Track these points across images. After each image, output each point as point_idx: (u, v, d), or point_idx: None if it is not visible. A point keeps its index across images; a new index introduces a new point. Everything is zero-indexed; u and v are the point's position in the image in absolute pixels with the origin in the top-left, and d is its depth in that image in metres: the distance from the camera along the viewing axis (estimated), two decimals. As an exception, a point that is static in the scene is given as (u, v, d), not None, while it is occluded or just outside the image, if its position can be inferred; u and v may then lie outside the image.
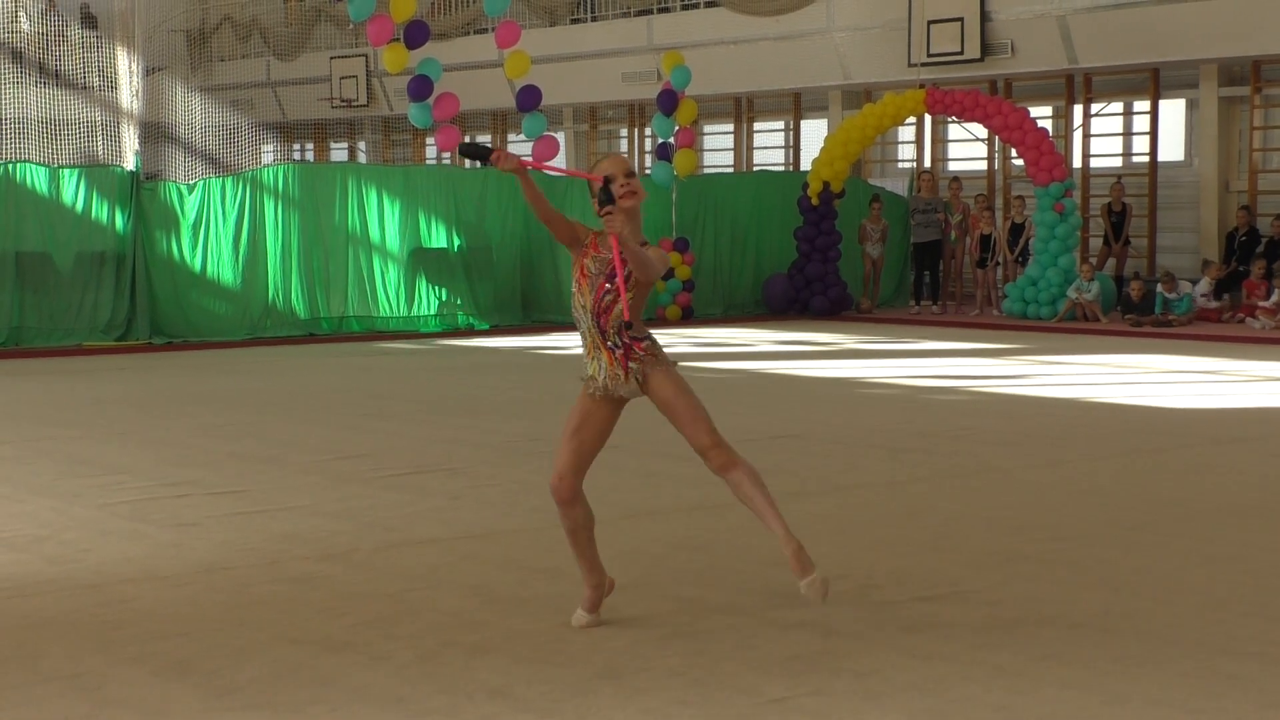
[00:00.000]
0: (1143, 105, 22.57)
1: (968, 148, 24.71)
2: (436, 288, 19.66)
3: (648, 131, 26.99)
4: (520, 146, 27.73)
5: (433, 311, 19.61)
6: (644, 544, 7.24)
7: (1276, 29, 19.82)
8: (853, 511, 8.00)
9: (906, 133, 25.24)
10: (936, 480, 8.95)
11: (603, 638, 5.65)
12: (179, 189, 18.40)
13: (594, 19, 28.25)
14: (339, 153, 34.93)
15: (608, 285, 5.55)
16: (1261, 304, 19.30)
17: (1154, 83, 22.06)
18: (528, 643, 5.59)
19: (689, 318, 20.92)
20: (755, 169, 26.68)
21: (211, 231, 18.32)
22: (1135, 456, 9.76)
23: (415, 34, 19.09)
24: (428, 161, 30.01)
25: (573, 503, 5.76)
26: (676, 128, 20.98)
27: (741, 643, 5.58)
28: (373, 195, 19.33)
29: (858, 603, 6.12)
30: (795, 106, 26.56)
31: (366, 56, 30.86)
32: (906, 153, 25.69)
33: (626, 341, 5.57)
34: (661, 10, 27.05)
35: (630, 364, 5.57)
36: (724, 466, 5.54)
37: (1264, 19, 19.82)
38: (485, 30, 26.96)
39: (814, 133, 26.02)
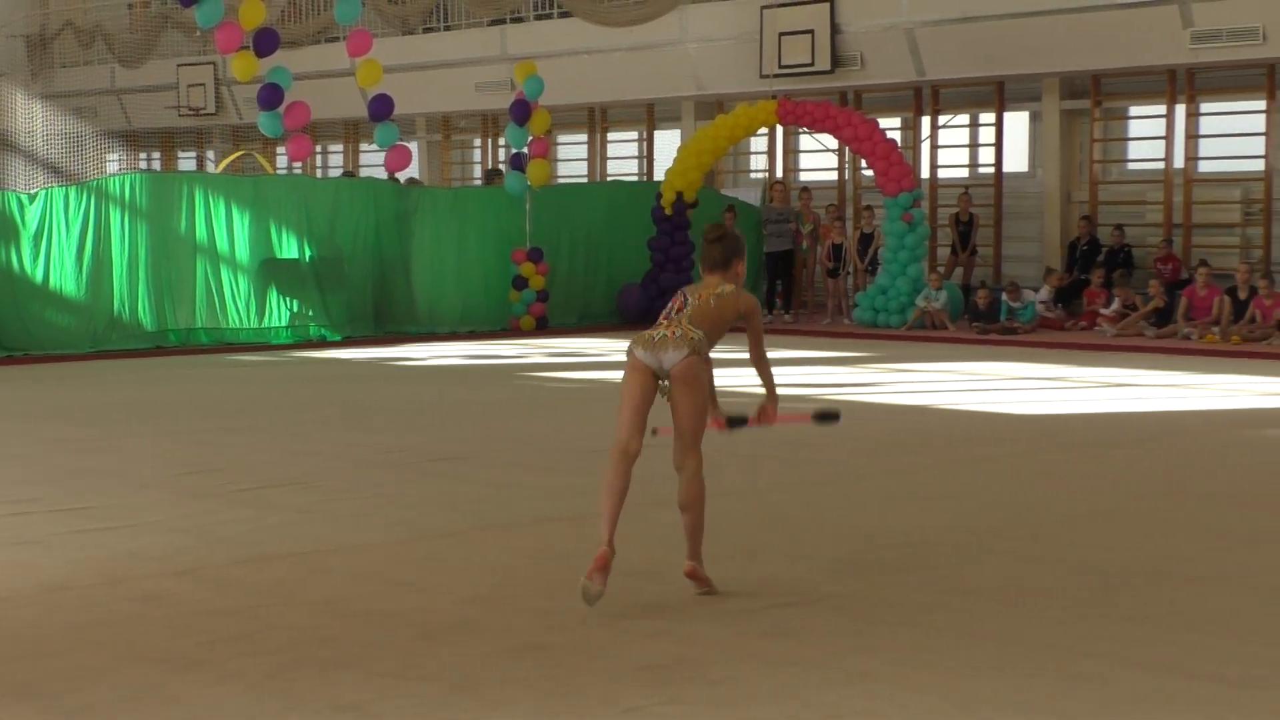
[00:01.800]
0: (988, 117, 22.98)
1: (819, 158, 24.98)
2: (288, 299, 19.39)
3: (501, 141, 26.89)
4: (373, 156, 27.52)
5: (284, 323, 19.34)
6: (498, 555, 7.19)
7: (1115, 44, 20.30)
8: (710, 520, 7.98)
9: (759, 143, 25.43)
10: (793, 488, 9.01)
11: (458, 650, 5.59)
12: (19, 199, 17.93)
13: (447, 28, 28.10)
14: (187, 162, 34.35)
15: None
16: (1102, 311, 19.74)
17: (999, 95, 22.48)
18: (382, 657, 5.51)
19: (543, 328, 20.87)
20: (609, 179, 26.71)
21: (54, 242, 17.88)
22: (985, 462, 9.91)
23: (265, 42, 18.83)
24: (278, 171, 29.61)
25: (622, 456, 6.34)
26: (530, 138, 20.94)
27: (597, 653, 5.55)
28: (221, 205, 19.01)
29: (714, 611, 6.12)
30: (649, 117, 26.65)
31: (215, 64, 30.38)
32: (759, 163, 25.89)
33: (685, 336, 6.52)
34: (515, 20, 26.98)
35: (673, 348, 6.41)
36: (688, 476, 6.33)
37: (1104, 34, 20.29)
38: (337, 39, 26.68)
39: (667, 143, 26.10)
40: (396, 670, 5.36)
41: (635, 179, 26.49)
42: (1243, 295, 18.37)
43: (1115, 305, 19.66)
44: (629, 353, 6.43)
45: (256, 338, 19.05)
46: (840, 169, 24.37)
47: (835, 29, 22.61)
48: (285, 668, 5.38)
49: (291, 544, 7.44)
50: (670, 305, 6.61)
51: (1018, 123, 22.96)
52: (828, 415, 6.98)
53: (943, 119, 23.40)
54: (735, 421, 6.72)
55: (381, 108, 19.92)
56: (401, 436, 11.07)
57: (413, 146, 24.51)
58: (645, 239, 21.81)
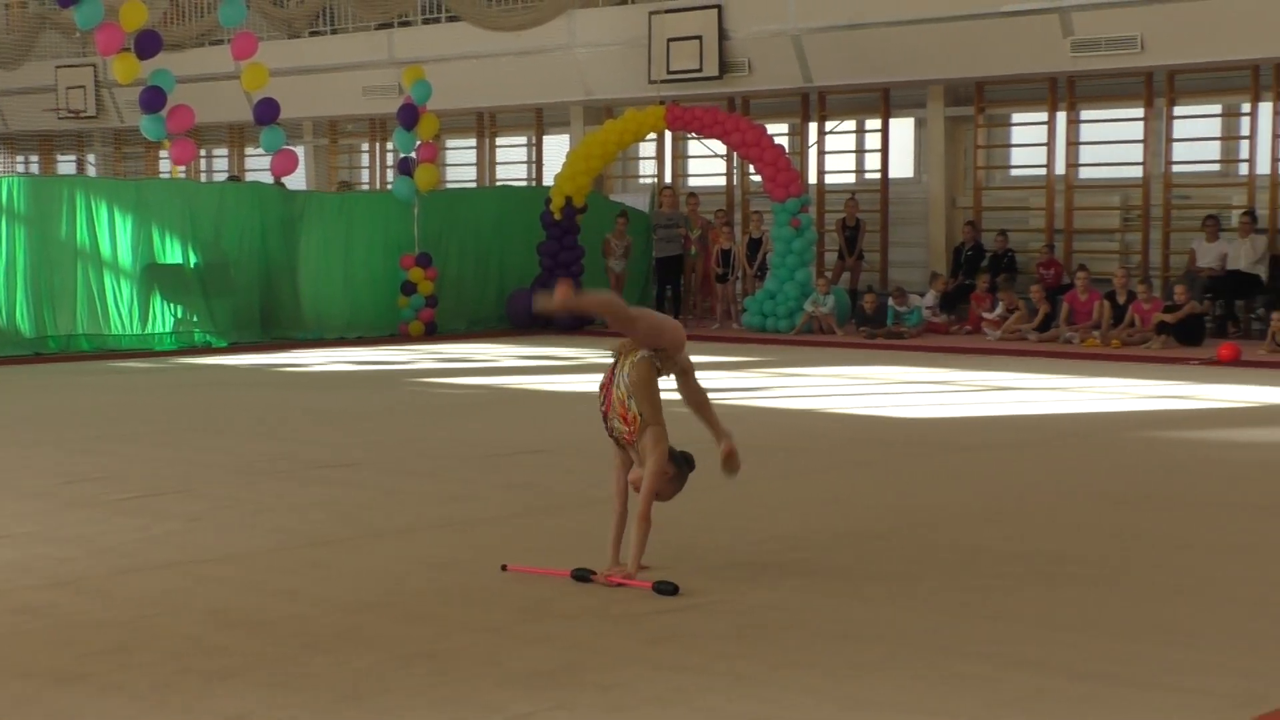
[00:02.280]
0: (874, 124, 23.23)
1: (707, 164, 25.10)
2: (172, 305, 19.13)
3: (389, 146, 26.75)
4: (258, 160, 27.24)
5: (168, 329, 19.08)
6: (386, 562, 7.15)
7: (998, 52, 20.60)
8: (601, 526, 8.02)
9: (647, 148, 25.51)
10: (681, 493, 9.03)
11: (345, 659, 5.56)
12: (-108, 203, 17.55)
13: (334, 32, 27.89)
14: (67, 165, 33.78)
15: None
16: (986, 315, 20.02)
17: (885, 102, 22.72)
18: (268, 667, 5.47)
19: (432, 333, 20.78)
20: (498, 184, 26.66)
21: (-71, 247, 17.52)
22: (872, 466, 10.02)
23: (147, 44, 18.58)
24: (161, 174, 29.22)
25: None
26: (418, 142, 20.85)
27: (486, 659, 5.55)
28: (103, 210, 18.71)
29: (601, 616, 6.14)
30: (537, 122, 26.64)
31: (95, 66, 29.93)
32: (648, 168, 25.96)
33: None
34: (403, 24, 26.85)
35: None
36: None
37: (986, 42, 20.58)
38: (221, 41, 26.38)
39: (556, 148, 26.11)
40: (283, 680, 5.32)
41: (524, 184, 26.46)
42: (1121, 300, 18.71)
43: (999, 309, 19.95)
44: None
45: (140, 344, 18.78)
46: (729, 174, 24.51)
47: (723, 35, 22.75)
48: (169, 679, 5.32)
49: (176, 553, 7.35)
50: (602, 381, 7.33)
51: (903, 129, 23.23)
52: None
53: (830, 125, 23.61)
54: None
55: (267, 112, 19.74)
56: (288, 444, 10.98)
57: (299, 151, 24.28)
58: (534, 244, 21.79)
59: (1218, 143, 20.75)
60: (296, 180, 23.76)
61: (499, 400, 13.96)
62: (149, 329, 18.98)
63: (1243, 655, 5.53)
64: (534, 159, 26.97)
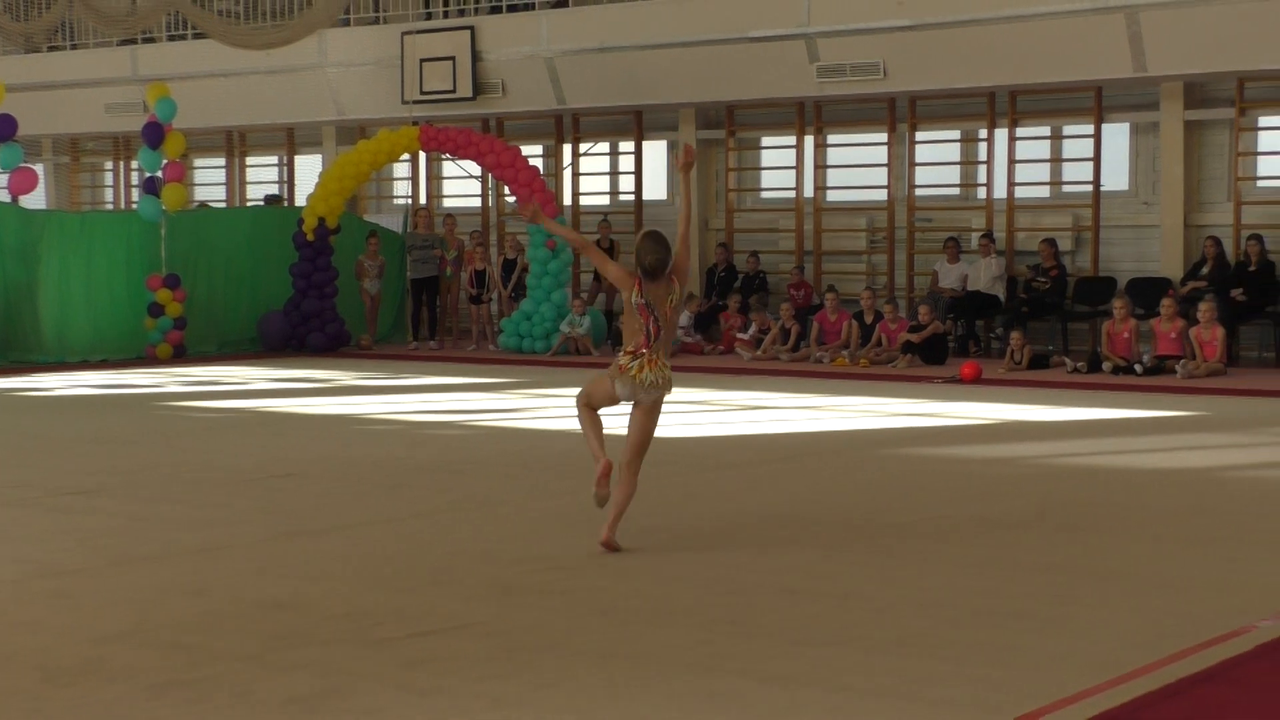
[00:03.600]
0: (628, 146, 23.45)
1: (462, 185, 25.04)
2: (-98, 328, 18.34)
3: (134, 165, 26.07)
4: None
5: (-102, 354, 18.28)
6: (133, 591, 6.96)
7: (747, 76, 20.99)
8: (353, 549, 7.94)
9: (402, 169, 25.34)
10: (437, 515, 8.99)
11: (89, 692, 5.39)
12: None
13: (74, 47, 27.09)
14: None
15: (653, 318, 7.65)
16: (739, 336, 20.34)
17: (638, 124, 22.96)
18: (3, 704, 5.26)
19: (181, 356, 20.28)
20: (249, 203, 26.19)
21: None
22: (627, 484, 10.08)
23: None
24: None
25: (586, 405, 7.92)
26: (164, 161, 20.36)
27: (240, 688, 5.44)
28: None
29: (357, 641, 6.07)
30: (289, 141, 26.25)
31: None
32: (402, 189, 25.79)
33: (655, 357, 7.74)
34: (146, 40, 26.21)
35: (646, 374, 7.69)
36: (625, 464, 7.79)
37: (736, 67, 20.96)
38: (-46, 55, 25.43)
39: (309, 168, 25.78)
40: (23, 714, 5.13)
41: (277, 203, 26.05)
42: (869, 320, 19.21)
43: (752, 330, 20.29)
44: (610, 378, 7.77)
45: None
46: (484, 195, 24.49)
47: (476, 56, 22.73)
48: (-100, 719, 5.09)
49: (-93, 588, 7.04)
50: (646, 326, 7.75)
51: (657, 151, 23.49)
52: None
53: (584, 147, 23.77)
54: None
55: (4, 128, 19.07)
56: (26, 470, 10.60)
57: (38, 169, 23.52)
58: (287, 265, 21.45)
59: (957, 167, 21.47)
60: (36, 199, 22.99)
61: (250, 423, 13.70)
62: (-123, 354, 18.15)
63: (982, 665, 5.72)
64: (286, 178, 26.57)
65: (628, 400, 7.77)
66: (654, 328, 7.74)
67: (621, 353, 7.82)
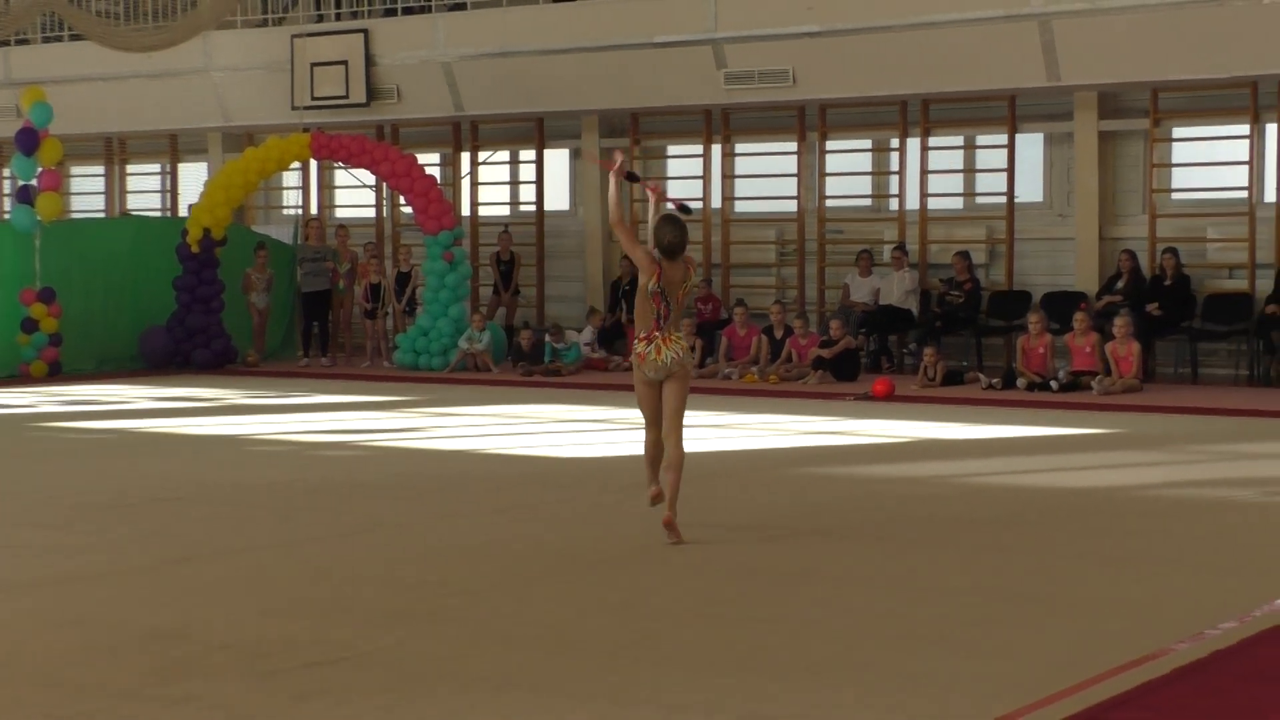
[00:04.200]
0: (529, 154, 23.45)
1: (356, 194, 24.92)
2: None
3: (6, 173, 25.70)
4: None
5: None
6: (7, 621, 6.86)
7: (652, 83, 21.04)
8: (242, 576, 7.88)
9: (292, 178, 25.18)
10: (330, 540, 8.94)
11: (-38, 730, 5.30)
12: None
13: (-58, 48, 26.69)
14: None
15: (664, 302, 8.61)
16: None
17: (539, 132, 22.97)
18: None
19: (56, 374, 20.00)
20: (130, 213, 25.90)
21: None
22: (528, 508, 10.09)
23: None
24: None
25: (655, 444, 8.85)
26: (39, 169, 20.09)
27: (122, 724, 5.38)
28: None
29: (246, 673, 6.02)
30: (172, 149, 26.01)
31: None
32: (292, 199, 25.62)
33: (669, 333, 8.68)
34: (20, 42, 25.87)
35: (668, 350, 8.62)
36: (665, 435, 8.71)
37: (640, 73, 21.00)
38: None
39: (193, 176, 25.54)
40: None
41: (159, 214, 25.79)
42: (779, 335, 19.32)
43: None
44: (639, 371, 8.78)
45: None
46: (378, 206, 24.38)
47: (370, 60, 22.65)
48: None
49: None
50: (657, 310, 8.68)
51: (559, 160, 23.53)
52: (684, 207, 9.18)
53: (483, 155, 23.74)
54: (631, 175, 9.13)
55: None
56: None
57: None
58: (170, 278, 21.21)
59: (869, 177, 21.65)
60: None
61: (131, 445, 13.54)
62: None
63: (895, 692, 5.78)
64: (169, 188, 26.31)
65: (658, 379, 8.73)
66: (664, 311, 8.70)
67: (636, 342, 8.82)
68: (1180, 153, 19.86)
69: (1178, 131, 19.77)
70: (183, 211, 24.20)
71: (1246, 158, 18.85)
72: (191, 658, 6.23)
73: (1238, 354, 18.82)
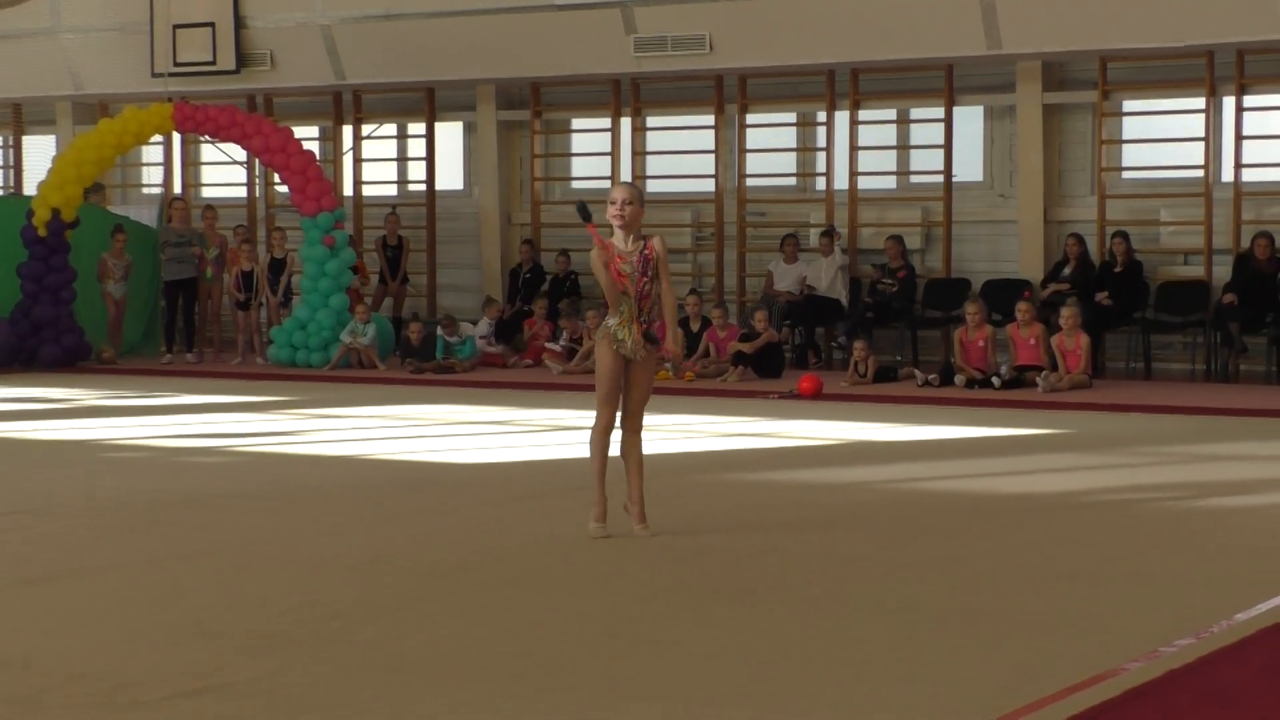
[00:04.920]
0: (419, 128, 23.38)
1: (225, 172, 24.75)
2: None
3: None
4: None
5: None
6: None
7: (555, 49, 21.03)
8: (100, 598, 7.80)
9: (153, 153, 24.96)
10: (200, 556, 8.87)
11: None
12: None
13: None
14: None
15: (645, 280, 9.10)
16: (548, 346, 20.36)
17: (429, 103, 22.91)
18: None
19: (-112, 373, 19.72)
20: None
21: None
22: (420, 518, 10.05)
23: None
24: None
25: (608, 430, 9.29)
26: None
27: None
28: None
29: (104, 705, 5.96)
30: (15, 119, 25.71)
31: None
32: (154, 176, 25.40)
33: (646, 322, 9.17)
34: None
35: (646, 342, 9.13)
36: (631, 429, 9.33)
37: (542, 39, 20.99)
38: None
39: (41, 150, 25.25)
40: None
41: (0, 193, 25.48)
42: (695, 327, 19.37)
43: (563, 339, 20.32)
44: (608, 344, 9.16)
45: None
46: (250, 184, 24.23)
47: (240, 23, 22.50)
48: None
49: None
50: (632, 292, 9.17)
51: (452, 135, 23.48)
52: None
53: (367, 129, 23.65)
54: (584, 211, 9.32)
55: None
56: None
57: None
58: (14, 265, 20.95)
59: (794, 154, 21.76)
60: None
61: (-27, 453, 13.38)
62: None
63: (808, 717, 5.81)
64: (12, 163, 26.01)
65: (633, 357, 9.19)
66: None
67: (608, 320, 9.27)
68: (1131, 128, 20.12)
69: (1128, 105, 20.05)
70: (29, 190, 23.90)
71: (1202, 133, 19.13)
72: (41, 689, 6.16)
73: (1194, 347, 19.11)
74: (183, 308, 21.79)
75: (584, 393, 17.75)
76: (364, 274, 21.70)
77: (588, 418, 15.27)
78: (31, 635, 6.98)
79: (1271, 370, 18.46)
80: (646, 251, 9.16)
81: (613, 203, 9.17)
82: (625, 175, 21.83)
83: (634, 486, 9.34)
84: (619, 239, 9.17)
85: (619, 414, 9.30)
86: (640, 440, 9.38)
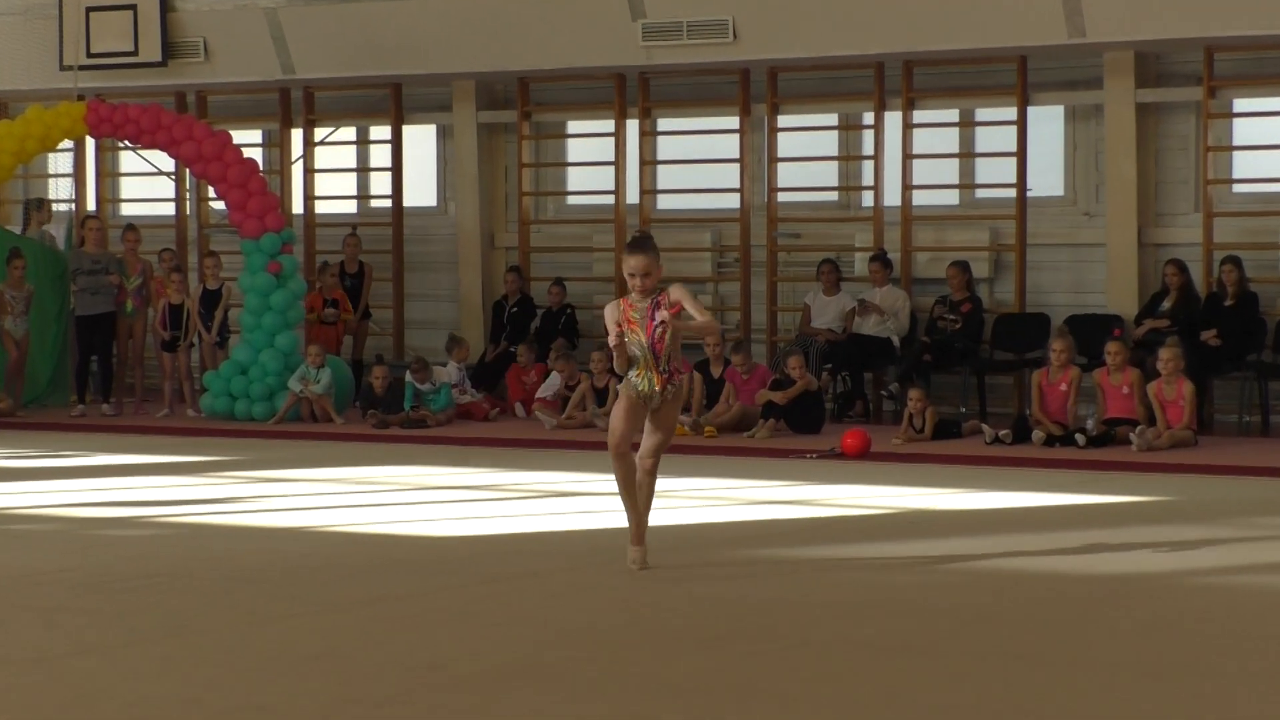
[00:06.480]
0: (383, 132, 23.39)
1: (150, 185, 24.78)
2: None
3: None
4: None
5: None
6: None
7: (547, 39, 21.00)
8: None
9: (62, 161, 25.00)
10: (113, 651, 8.86)
11: None
12: None
13: None
14: None
15: (654, 325, 10.20)
16: (542, 396, 20.23)
17: (395, 103, 22.92)
18: None
19: None
20: None
21: None
22: (385, 604, 10.03)
23: None
24: None
25: (625, 455, 10.52)
26: None
27: None
28: None
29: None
30: (-100, 122, 25.79)
31: None
32: (63, 190, 25.44)
33: (667, 372, 10.35)
34: None
35: (667, 387, 10.35)
36: (648, 469, 10.60)
37: (532, 26, 20.96)
38: None
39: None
40: None
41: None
42: (717, 373, 19.29)
43: (556, 386, 20.19)
44: (630, 390, 10.41)
45: None
46: (180, 200, 24.26)
47: (167, 6, 22.56)
48: None
49: None
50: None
51: (423, 140, 23.48)
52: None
53: (320, 133, 23.68)
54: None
55: None
56: None
57: None
58: (-104, 298, 21.03)
59: (835, 164, 21.72)
60: None
61: None
62: None
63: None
64: (-105, 175, 26.09)
65: (654, 406, 10.42)
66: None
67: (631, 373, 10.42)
68: (1243, 131, 20.06)
69: (1239, 104, 20.01)
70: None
71: (1329, 138, 19.10)
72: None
73: (1320, 396, 19.03)
74: (98, 349, 21.79)
75: (585, 451, 17.75)
76: (318, 309, 21.72)
77: (586, 481, 15.32)
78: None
79: None
80: (659, 298, 10.25)
81: (631, 275, 10.29)
82: (631, 188, 21.81)
83: (639, 515, 10.78)
84: (636, 296, 10.38)
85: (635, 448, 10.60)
86: (654, 477, 10.67)
